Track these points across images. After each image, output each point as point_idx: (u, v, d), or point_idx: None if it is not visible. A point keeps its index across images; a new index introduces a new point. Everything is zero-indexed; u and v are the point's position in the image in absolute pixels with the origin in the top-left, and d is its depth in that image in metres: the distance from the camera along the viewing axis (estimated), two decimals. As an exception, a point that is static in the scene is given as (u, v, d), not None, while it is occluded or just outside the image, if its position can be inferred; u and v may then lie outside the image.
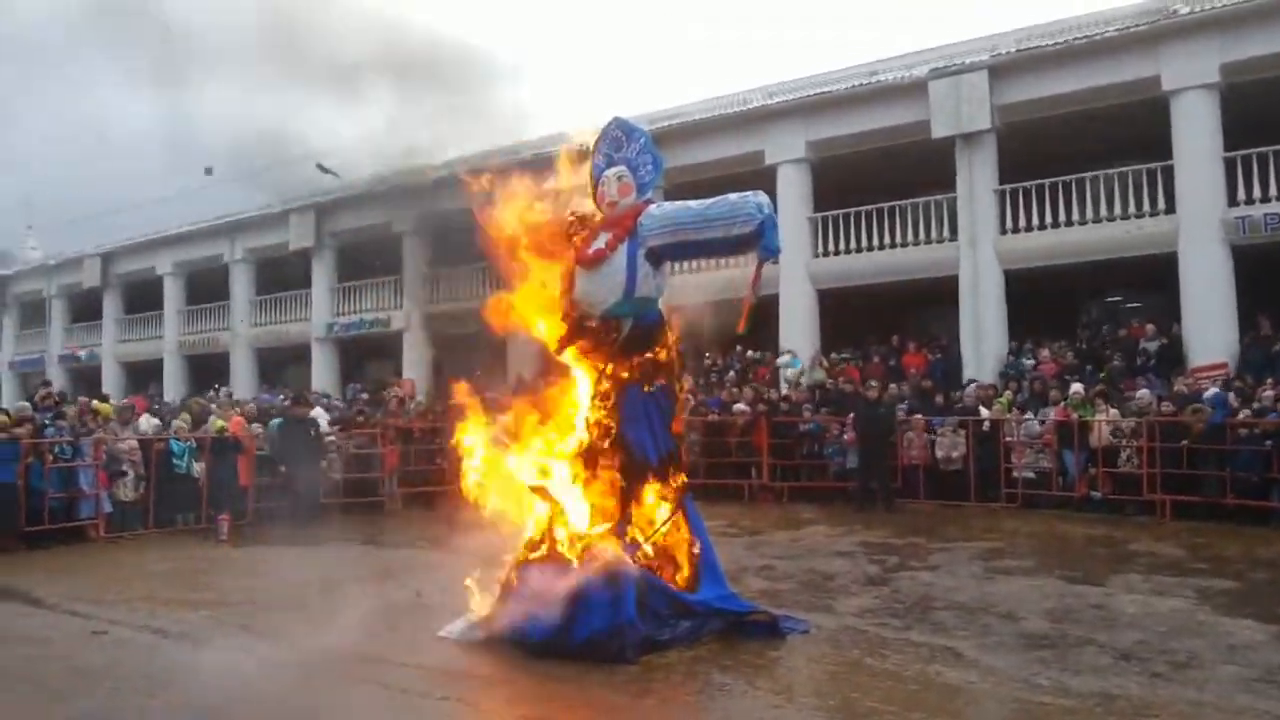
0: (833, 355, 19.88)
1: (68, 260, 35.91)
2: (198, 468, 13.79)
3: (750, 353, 20.67)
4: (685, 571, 7.29)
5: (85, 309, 36.35)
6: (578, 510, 7.21)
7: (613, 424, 7.20)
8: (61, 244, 37.64)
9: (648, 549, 7.15)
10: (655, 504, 7.31)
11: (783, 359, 19.23)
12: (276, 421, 15.06)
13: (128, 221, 33.87)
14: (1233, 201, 16.48)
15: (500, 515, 7.52)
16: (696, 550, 7.34)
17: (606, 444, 7.21)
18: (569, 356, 7.50)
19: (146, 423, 15.08)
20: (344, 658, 6.62)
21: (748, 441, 15.91)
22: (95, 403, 15.09)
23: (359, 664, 6.43)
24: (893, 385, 16.53)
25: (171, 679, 6.23)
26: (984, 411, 14.93)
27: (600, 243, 7.24)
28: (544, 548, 7.06)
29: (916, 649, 6.65)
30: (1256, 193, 16.29)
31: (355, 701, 5.69)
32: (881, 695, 5.64)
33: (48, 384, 19.84)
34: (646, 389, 7.24)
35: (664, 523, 7.25)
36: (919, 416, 15.07)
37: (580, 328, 7.33)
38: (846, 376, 17.79)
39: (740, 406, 16.58)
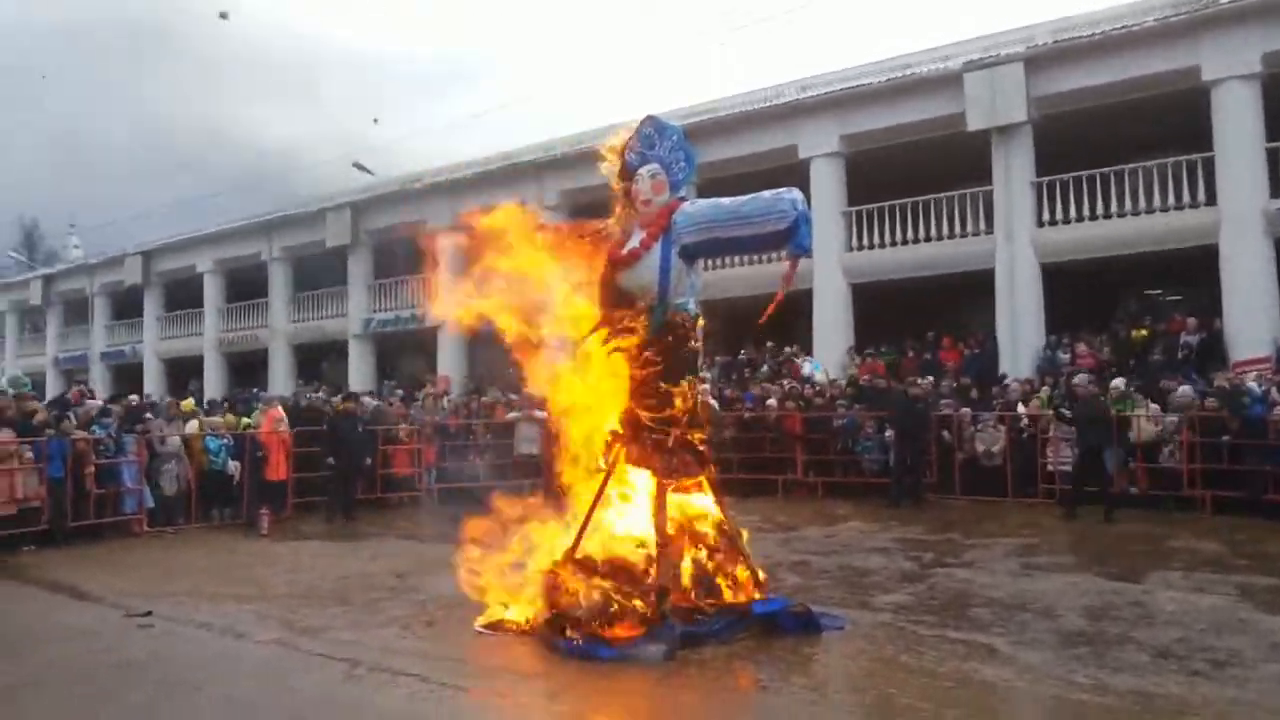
0: (866, 351, 19.79)
1: (109, 259, 36.58)
2: (233, 465, 14.01)
3: (788, 349, 20.65)
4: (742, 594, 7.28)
5: (127, 306, 36.98)
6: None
7: (645, 420, 7.21)
8: (103, 243, 38.37)
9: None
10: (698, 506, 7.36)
11: (804, 364, 19.14)
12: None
13: (169, 219, 34.50)
14: (1275, 193, 16.24)
15: (540, 512, 7.63)
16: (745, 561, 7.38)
17: (639, 440, 7.21)
18: (603, 351, 7.49)
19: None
20: (384, 651, 6.73)
21: (781, 437, 15.91)
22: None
23: (398, 657, 6.53)
24: (929, 378, 16.44)
25: (216, 673, 6.36)
26: (1021, 407, 14.81)
27: (634, 242, 7.26)
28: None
29: (953, 646, 6.64)
30: (1300, 184, 16.05)
31: (395, 695, 5.78)
32: (917, 692, 5.65)
33: (80, 383, 20.24)
34: (667, 385, 7.19)
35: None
36: (966, 411, 14.91)
37: (618, 325, 7.32)
38: (877, 373, 17.75)
39: (772, 402, 16.56)
